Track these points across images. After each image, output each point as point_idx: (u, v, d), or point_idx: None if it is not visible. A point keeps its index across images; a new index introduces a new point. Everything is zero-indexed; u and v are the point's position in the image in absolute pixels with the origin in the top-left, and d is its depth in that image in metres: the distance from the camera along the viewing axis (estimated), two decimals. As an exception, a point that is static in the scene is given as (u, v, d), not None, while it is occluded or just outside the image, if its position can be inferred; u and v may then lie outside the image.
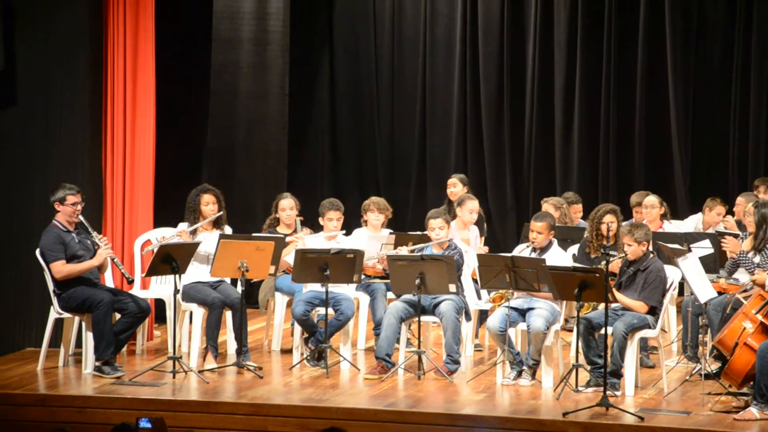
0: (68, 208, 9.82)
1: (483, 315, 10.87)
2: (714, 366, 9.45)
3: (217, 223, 10.48)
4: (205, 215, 10.42)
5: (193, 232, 10.36)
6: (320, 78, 15.31)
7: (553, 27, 14.51)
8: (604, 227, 10.41)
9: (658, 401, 9.04)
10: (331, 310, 10.05)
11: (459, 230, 11.20)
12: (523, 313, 9.65)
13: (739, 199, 11.82)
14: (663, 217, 11.65)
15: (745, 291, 9.22)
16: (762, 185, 12.63)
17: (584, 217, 12.09)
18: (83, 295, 9.75)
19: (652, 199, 11.63)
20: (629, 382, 9.20)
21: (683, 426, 8.27)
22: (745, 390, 8.84)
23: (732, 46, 14.08)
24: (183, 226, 10.41)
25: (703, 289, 9.23)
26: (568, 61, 14.46)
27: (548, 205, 11.98)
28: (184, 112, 13.24)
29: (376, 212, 11.04)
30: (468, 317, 10.19)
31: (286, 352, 10.72)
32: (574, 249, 10.92)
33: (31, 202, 10.67)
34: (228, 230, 10.56)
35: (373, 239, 10.84)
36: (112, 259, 9.96)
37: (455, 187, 12.49)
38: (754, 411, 8.40)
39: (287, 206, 10.91)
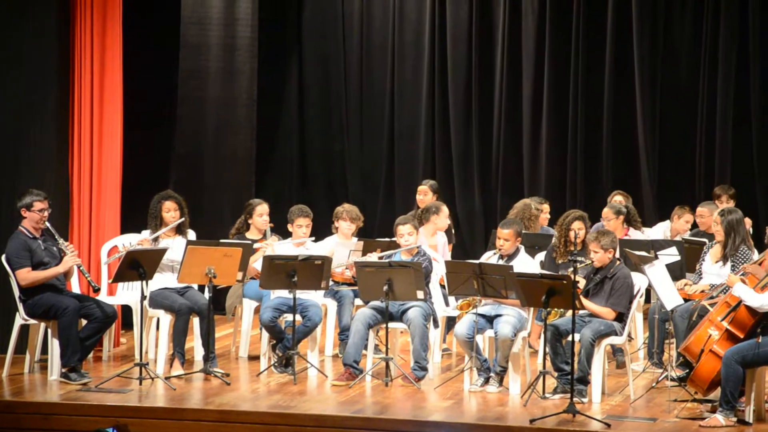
0: (35, 215, 9.76)
1: (451, 321, 10.88)
2: (680, 373, 9.49)
3: (179, 230, 10.44)
4: (167, 222, 10.37)
5: (155, 240, 10.32)
6: (289, 84, 15.28)
7: (521, 34, 14.52)
8: (572, 234, 10.44)
9: (624, 408, 9.07)
10: (298, 317, 10.04)
11: (428, 237, 11.20)
12: (490, 319, 9.66)
13: (701, 209, 11.75)
14: (629, 223, 11.54)
15: (711, 298, 9.27)
16: (723, 194, 12.66)
17: (552, 222, 12.04)
18: (49, 302, 9.70)
19: (606, 211, 11.39)
20: (596, 389, 9.22)
21: (649, 433, 8.32)
22: (710, 397, 8.89)
23: (699, 55, 14.12)
24: (146, 234, 10.37)
25: (670, 296, 9.27)
26: (536, 67, 14.49)
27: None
28: (152, 117, 13.18)
29: (348, 222, 10.98)
30: (436, 324, 10.19)
31: (254, 358, 10.69)
32: (542, 256, 10.93)
33: (-3, 207, 10.61)
34: (192, 235, 10.51)
35: (341, 246, 10.83)
36: (78, 267, 9.91)
37: (426, 195, 12.51)
38: (719, 418, 8.44)
39: (264, 212, 10.93)
